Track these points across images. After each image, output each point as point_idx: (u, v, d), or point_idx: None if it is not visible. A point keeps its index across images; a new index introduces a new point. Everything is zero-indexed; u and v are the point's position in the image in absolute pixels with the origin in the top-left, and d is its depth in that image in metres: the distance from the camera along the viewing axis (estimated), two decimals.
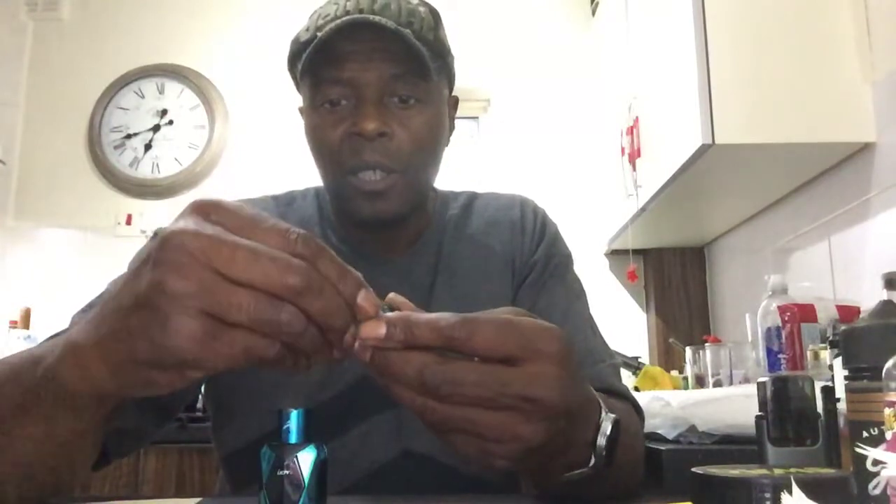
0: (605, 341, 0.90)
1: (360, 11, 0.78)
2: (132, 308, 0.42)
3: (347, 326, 0.43)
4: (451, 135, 0.90)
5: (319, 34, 0.77)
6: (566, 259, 0.94)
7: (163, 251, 0.40)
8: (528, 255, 0.91)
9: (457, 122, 0.92)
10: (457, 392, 0.44)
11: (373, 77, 0.78)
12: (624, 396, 0.83)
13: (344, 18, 0.76)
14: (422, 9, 0.83)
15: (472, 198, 0.97)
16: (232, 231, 0.41)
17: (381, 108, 0.78)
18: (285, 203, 0.92)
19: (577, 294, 0.91)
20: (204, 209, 0.42)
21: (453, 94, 0.91)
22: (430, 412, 0.45)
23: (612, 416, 0.54)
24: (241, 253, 0.40)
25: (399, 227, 0.86)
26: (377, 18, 0.76)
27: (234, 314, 0.40)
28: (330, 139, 0.80)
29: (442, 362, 0.44)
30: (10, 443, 0.49)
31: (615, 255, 2.69)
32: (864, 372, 0.54)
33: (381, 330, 0.44)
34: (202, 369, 0.42)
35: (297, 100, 0.89)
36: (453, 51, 0.88)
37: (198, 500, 0.71)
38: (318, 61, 0.78)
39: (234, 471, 0.86)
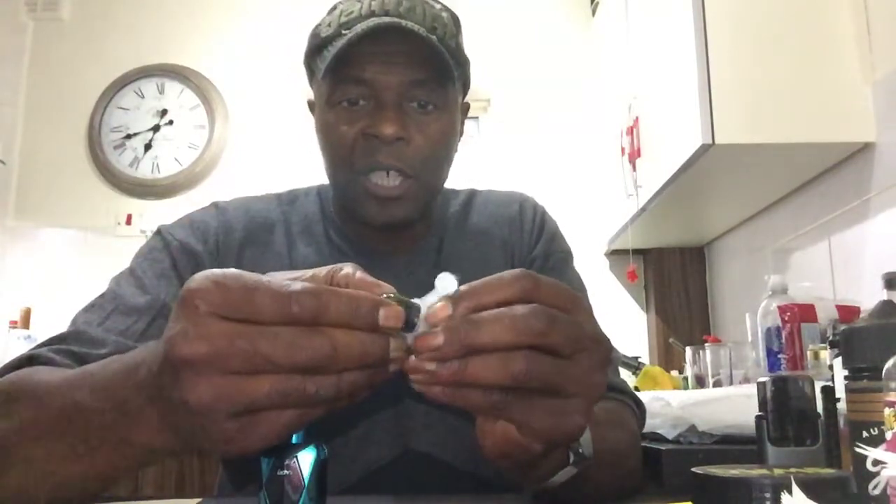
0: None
1: (386, 13, 0.77)
2: (174, 415, 0.42)
3: (384, 353, 0.42)
4: (460, 140, 0.90)
5: (346, 32, 0.76)
6: (566, 255, 0.94)
7: (173, 367, 0.40)
8: (526, 251, 0.91)
9: (470, 105, 0.93)
10: (558, 329, 0.43)
11: (394, 81, 0.77)
12: (622, 391, 0.83)
13: (373, 20, 0.76)
14: (444, 14, 0.82)
15: (471, 195, 0.97)
16: (227, 313, 0.40)
17: (400, 113, 0.78)
18: (288, 202, 0.92)
19: (576, 289, 0.91)
20: (192, 302, 0.40)
21: (465, 100, 0.91)
22: (535, 367, 0.42)
23: None
24: (240, 346, 0.39)
25: (406, 229, 0.86)
26: (408, 24, 0.75)
27: (260, 404, 0.40)
28: (344, 137, 0.79)
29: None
30: (52, 475, 0.49)
31: (615, 255, 2.69)
32: (864, 372, 0.54)
33: (438, 339, 0.41)
34: (256, 450, 0.43)
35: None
36: None
37: (198, 500, 0.71)
38: (341, 59, 0.77)
39: (236, 470, 0.86)
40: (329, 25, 0.80)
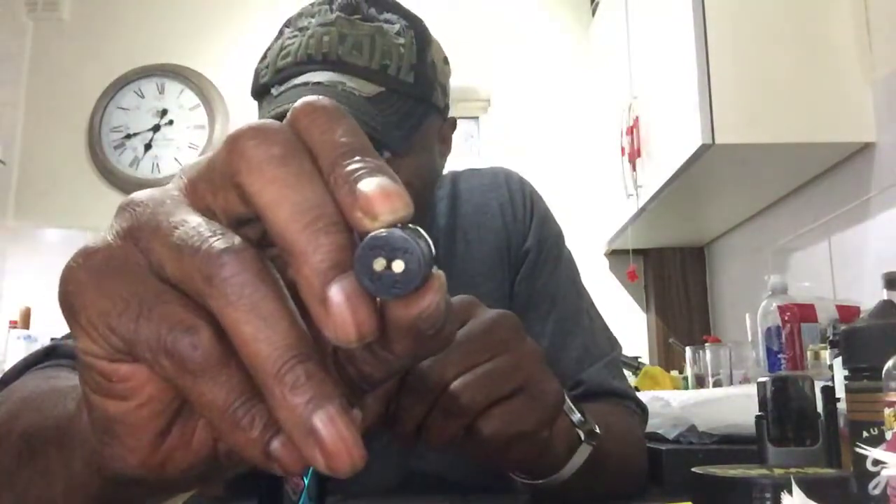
0: (604, 326, 0.88)
1: (324, 56, 0.70)
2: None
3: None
4: (446, 158, 0.83)
5: (273, 91, 0.71)
6: (557, 239, 0.90)
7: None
8: (521, 240, 0.87)
9: (457, 121, 0.84)
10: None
11: None
12: (626, 396, 0.82)
13: (291, 90, 0.69)
14: (401, 40, 0.73)
15: (454, 180, 0.91)
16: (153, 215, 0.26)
17: None
18: None
19: (569, 274, 0.88)
20: (118, 211, 0.28)
21: (450, 116, 0.82)
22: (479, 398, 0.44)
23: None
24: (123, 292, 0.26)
25: None
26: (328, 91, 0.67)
27: (138, 337, 0.25)
28: None
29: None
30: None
31: (615, 255, 2.69)
32: (864, 372, 0.54)
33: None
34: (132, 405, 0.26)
35: None
36: (453, 52, 0.83)
37: (197, 500, 0.71)
38: (275, 116, 0.68)
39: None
40: (267, 67, 0.74)
